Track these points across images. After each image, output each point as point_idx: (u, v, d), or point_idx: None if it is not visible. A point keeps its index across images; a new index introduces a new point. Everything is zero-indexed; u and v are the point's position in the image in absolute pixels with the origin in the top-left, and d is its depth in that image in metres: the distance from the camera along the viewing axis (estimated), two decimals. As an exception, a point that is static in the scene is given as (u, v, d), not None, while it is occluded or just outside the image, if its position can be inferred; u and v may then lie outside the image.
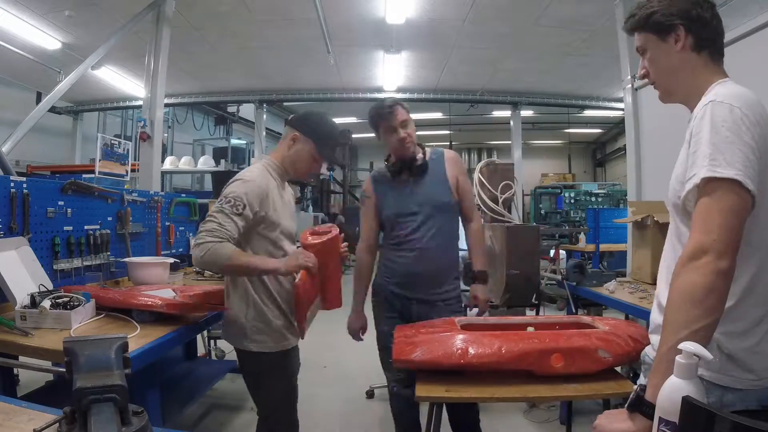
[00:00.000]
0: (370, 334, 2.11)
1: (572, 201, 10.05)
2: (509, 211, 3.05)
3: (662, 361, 0.83)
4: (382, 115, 1.94)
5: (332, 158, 1.80)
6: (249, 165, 7.95)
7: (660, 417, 0.76)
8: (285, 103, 9.57)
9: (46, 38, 5.48)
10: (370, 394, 3.20)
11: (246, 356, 1.69)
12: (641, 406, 0.84)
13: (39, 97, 7.03)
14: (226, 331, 1.77)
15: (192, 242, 1.43)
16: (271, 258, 1.63)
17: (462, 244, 2.11)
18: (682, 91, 1.10)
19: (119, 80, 7.10)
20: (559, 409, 2.82)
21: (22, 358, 1.41)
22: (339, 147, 1.83)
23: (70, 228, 2.39)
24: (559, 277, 2.94)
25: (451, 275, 2.02)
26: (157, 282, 2.40)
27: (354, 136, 13.02)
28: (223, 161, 7.51)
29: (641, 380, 1.07)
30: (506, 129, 9.11)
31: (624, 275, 3.13)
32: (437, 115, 10.67)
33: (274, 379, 1.70)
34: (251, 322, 1.66)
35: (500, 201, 3.04)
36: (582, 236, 5.50)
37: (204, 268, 1.55)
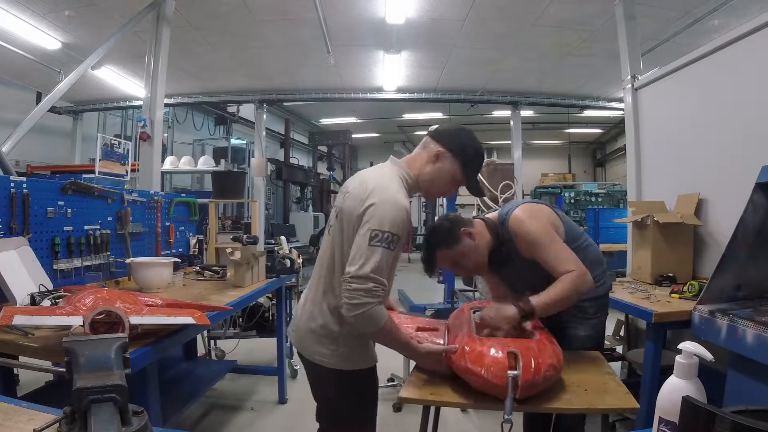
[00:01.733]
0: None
1: (572, 201, 10.07)
2: (509, 211, 3.05)
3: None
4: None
5: (475, 185, 1.56)
6: (249, 165, 7.78)
7: (660, 417, 0.76)
8: (285, 103, 9.57)
9: (46, 38, 5.48)
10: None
11: (341, 375, 1.43)
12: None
13: (39, 97, 7.02)
14: (307, 342, 1.46)
15: (345, 290, 1.26)
16: (412, 339, 1.45)
17: None
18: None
19: (119, 80, 7.10)
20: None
21: (22, 358, 1.41)
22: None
23: (70, 228, 2.39)
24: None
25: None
26: (160, 282, 2.40)
27: (354, 136, 13.06)
28: (223, 161, 7.51)
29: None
30: (506, 129, 9.11)
31: (624, 275, 3.13)
32: (437, 115, 10.68)
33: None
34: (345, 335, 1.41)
35: (500, 201, 3.04)
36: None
37: (354, 324, 1.31)
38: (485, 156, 1.61)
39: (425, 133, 1.61)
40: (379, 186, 1.35)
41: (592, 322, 1.79)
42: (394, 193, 1.34)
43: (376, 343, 1.44)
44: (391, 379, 3.38)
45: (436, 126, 1.56)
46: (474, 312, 1.73)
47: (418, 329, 1.71)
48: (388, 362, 2.05)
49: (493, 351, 1.29)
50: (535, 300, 1.52)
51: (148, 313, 1.61)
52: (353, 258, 1.28)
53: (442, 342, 1.59)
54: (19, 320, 1.34)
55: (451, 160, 1.47)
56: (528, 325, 1.57)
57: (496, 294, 1.96)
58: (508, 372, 1.22)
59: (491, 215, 1.80)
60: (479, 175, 3.29)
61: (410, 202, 1.48)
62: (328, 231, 1.48)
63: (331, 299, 1.40)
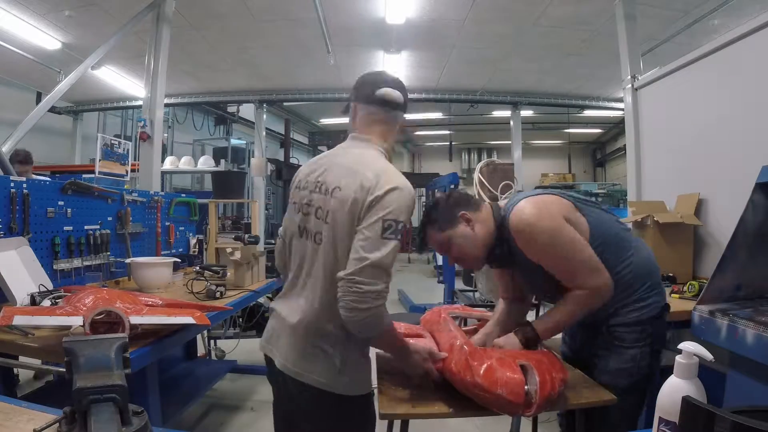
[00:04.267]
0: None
1: (572, 201, 10.04)
2: (509, 211, 3.05)
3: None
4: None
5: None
6: (249, 165, 7.74)
7: (660, 417, 0.76)
8: (285, 103, 9.57)
9: (46, 38, 5.48)
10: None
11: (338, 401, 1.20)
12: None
13: (39, 97, 7.03)
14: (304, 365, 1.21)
15: (349, 291, 1.07)
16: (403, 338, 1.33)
17: None
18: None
19: (119, 80, 7.11)
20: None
21: (22, 358, 1.41)
22: None
23: (70, 228, 2.39)
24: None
25: None
26: (160, 282, 2.40)
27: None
28: (223, 161, 7.51)
29: None
30: (506, 129, 9.11)
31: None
32: (437, 115, 10.68)
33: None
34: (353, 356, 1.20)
35: (500, 201, 3.04)
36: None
37: (357, 328, 1.12)
38: None
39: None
40: (385, 174, 1.17)
41: (630, 353, 1.39)
42: (405, 179, 1.19)
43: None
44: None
45: (394, 92, 1.32)
46: (454, 317, 1.64)
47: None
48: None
49: (504, 365, 1.17)
50: (539, 326, 1.39)
51: (149, 313, 1.61)
52: (361, 250, 1.09)
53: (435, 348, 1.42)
54: (19, 320, 1.34)
55: (402, 114, 1.37)
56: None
57: (505, 296, 1.67)
58: (525, 387, 1.13)
59: (503, 202, 1.53)
60: (480, 174, 3.30)
61: None
62: (314, 239, 1.22)
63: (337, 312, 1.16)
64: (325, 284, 1.19)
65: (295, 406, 1.26)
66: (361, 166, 1.20)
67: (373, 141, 1.30)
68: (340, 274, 1.10)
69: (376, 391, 1.28)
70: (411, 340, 1.42)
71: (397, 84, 1.35)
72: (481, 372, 1.16)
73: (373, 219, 1.11)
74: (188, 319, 1.63)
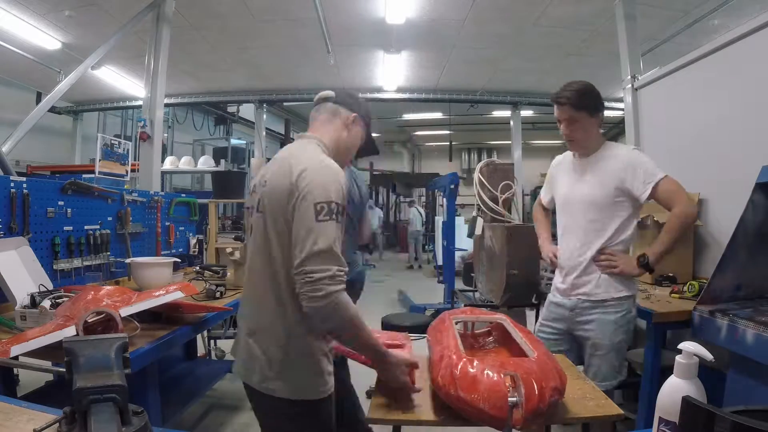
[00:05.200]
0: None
1: (572, 201, 10.02)
2: (509, 211, 3.06)
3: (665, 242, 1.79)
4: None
5: (371, 143, 1.50)
6: (249, 165, 7.77)
7: (660, 417, 0.76)
8: (285, 103, 9.58)
9: (46, 38, 5.48)
10: (369, 395, 3.21)
11: (281, 404, 1.20)
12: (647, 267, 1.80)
13: (39, 97, 7.03)
14: (248, 367, 1.25)
15: (302, 283, 1.06)
16: (376, 337, 1.26)
17: (460, 243, 2.03)
18: (594, 146, 2.00)
19: (119, 80, 7.11)
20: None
21: (22, 358, 1.41)
22: None
23: (70, 228, 2.39)
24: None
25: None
26: (160, 282, 2.39)
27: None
28: (223, 161, 7.51)
29: None
30: (506, 129, 9.11)
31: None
32: (437, 115, 10.68)
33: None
34: (293, 357, 1.19)
35: (500, 201, 3.04)
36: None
37: (320, 319, 1.10)
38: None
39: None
40: (303, 157, 1.18)
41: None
42: (324, 158, 1.20)
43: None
44: (370, 393, 3.22)
45: (328, 91, 1.41)
46: (456, 323, 1.52)
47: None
48: (364, 376, 1.75)
49: (489, 375, 1.11)
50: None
51: (137, 300, 1.62)
52: (299, 242, 1.07)
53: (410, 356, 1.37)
54: (16, 350, 1.34)
55: (360, 124, 1.40)
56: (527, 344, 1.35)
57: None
58: (509, 399, 1.06)
59: None
60: (480, 174, 3.29)
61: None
62: (252, 241, 1.26)
63: (281, 314, 1.18)
64: (262, 278, 1.21)
65: (257, 410, 1.31)
66: (288, 156, 1.22)
67: (314, 136, 1.33)
68: (292, 269, 1.09)
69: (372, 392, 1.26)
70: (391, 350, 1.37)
71: (338, 90, 1.43)
72: (465, 385, 1.11)
73: (305, 203, 1.09)
74: (177, 294, 1.68)
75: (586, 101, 1.92)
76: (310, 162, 1.16)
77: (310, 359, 1.20)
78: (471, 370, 1.13)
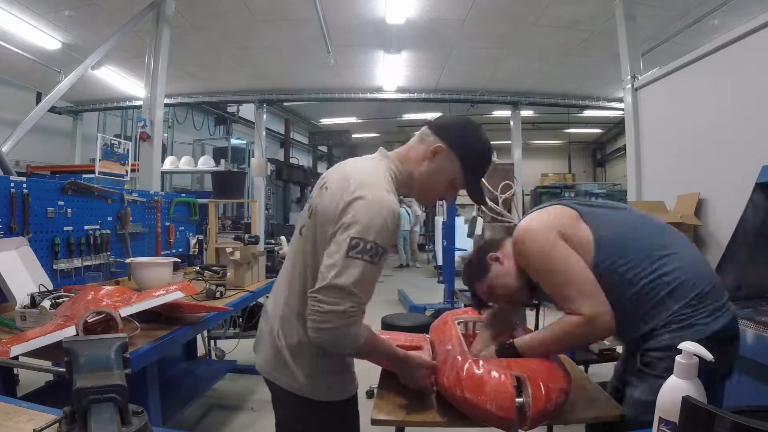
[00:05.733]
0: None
1: (572, 201, 10.04)
2: (509, 211, 3.06)
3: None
4: None
5: (477, 191, 1.26)
6: (249, 165, 7.75)
7: (660, 417, 0.76)
8: (285, 103, 9.58)
9: (46, 38, 5.48)
10: (370, 394, 3.21)
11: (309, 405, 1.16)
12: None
13: (39, 97, 7.03)
14: (275, 366, 1.20)
15: (312, 310, 1.04)
16: (394, 348, 1.22)
17: (461, 243, 2.03)
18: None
19: (119, 80, 7.11)
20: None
21: (22, 358, 1.41)
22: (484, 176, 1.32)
23: (70, 228, 2.39)
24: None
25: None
26: (160, 282, 2.40)
27: (354, 136, 13.06)
28: (223, 161, 7.52)
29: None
30: (506, 129, 9.11)
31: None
32: (437, 115, 10.64)
33: None
34: (320, 359, 1.15)
35: (500, 201, 3.04)
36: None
37: (325, 346, 1.09)
38: (492, 157, 1.28)
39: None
40: (365, 182, 1.10)
41: (659, 383, 1.15)
42: (383, 192, 1.09)
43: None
44: (370, 393, 3.21)
45: (439, 116, 1.31)
46: (458, 323, 1.57)
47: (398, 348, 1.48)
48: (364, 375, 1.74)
49: (495, 376, 1.10)
50: (520, 344, 1.27)
51: (137, 300, 1.62)
52: (324, 270, 1.04)
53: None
54: (16, 350, 1.34)
55: (451, 159, 1.19)
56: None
57: None
58: (516, 400, 1.05)
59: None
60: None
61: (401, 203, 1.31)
62: (299, 231, 1.22)
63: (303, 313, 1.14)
64: (302, 280, 1.16)
65: (279, 408, 1.25)
66: (354, 173, 1.14)
67: (392, 158, 1.23)
68: (311, 290, 1.06)
69: (376, 392, 1.26)
70: (410, 353, 1.36)
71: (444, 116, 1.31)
72: (471, 387, 1.10)
73: (344, 234, 1.04)
74: (177, 294, 1.67)
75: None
76: (367, 194, 1.07)
77: (335, 361, 1.17)
78: (477, 371, 1.12)
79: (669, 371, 1.06)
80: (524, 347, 1.25)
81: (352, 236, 1.03)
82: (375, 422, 1.19)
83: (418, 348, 1.48)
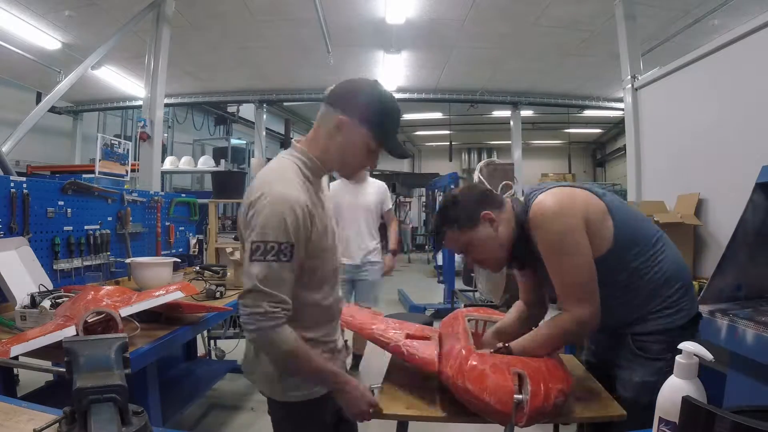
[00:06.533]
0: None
1: (572, 201, 10.03)
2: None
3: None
4: None
5: (395, 147, 1.20)
6: (249, 165, 7.74)
7: (660, 417, 0.76)
8: (285, 103, 9.58)
9: (46, 38, 5.48)
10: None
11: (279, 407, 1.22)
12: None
13: (39, 97, 7.03)
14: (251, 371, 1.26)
15: (241, 314, 1.08)
16: (331, 366, 1.17)
17: None
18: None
19: (119, 80, 7.11)
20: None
21: (22, 358, 1.41)
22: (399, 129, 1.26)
23: (70, 228, 2.39)
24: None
25: None
26: (160, 282, 2.40)
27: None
28: (223, 161, 7.52)
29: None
30: (506, 129, 9.11)
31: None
32: (437, 115, 10.68)
33: None
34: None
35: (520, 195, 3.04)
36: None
37: (261, 350, 1.15)
38: (398, 108, 1.20)
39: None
40: (266, 181, 1.09)
41: (656, 366, 1.23)
42: (280, 188, 1.07)
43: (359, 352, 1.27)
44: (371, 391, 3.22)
45: (332, 87, 1.22)
46: (469, 320, 1.57)
47: (408, 337, 1.47)
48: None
49: (496, 371, 1.12)
50: (516, 347, 1.26)
51: (137, 300, 1.62)
52: (244, 276, 1.08)
53: (436, 352, 1.34)
54: (16, 350, 1.34)
55: (356, 126, 1.13)
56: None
57: (525, 300, 1.55)
58: (514, 396, 1.07)
59: (522, 196, 1.39)
60: (480, 174, 3.29)
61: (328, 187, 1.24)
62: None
63: None
64: None
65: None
66: (260, 174, 1.15)
67: (297, 147, 1.21)
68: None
69: (376, 390, 1.27)
70: (415, 342, 1.40)
71: (336, 86, 1.22)
72: (473, 378, 1.13)
73: (249, 239, 1.06)
74: (177, 294, 1.68)
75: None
76: (266, 189, 1.07)
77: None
78: (480, 364, 1.15)
79: (662, 353, 1.20)
80: (521, 349, 1.26)
81: (252, 240, 1.05)
82: (375, 416, 1.20)
83: (426, 338, 1.47)
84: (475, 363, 1.15)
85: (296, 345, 1.07)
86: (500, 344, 1.30)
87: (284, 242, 1.04)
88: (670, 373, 1.09)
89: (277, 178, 1.11)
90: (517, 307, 1.56)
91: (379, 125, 1.16)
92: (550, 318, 1.25)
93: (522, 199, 1.38)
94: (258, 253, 1.03)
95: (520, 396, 1.07)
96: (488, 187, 1.47)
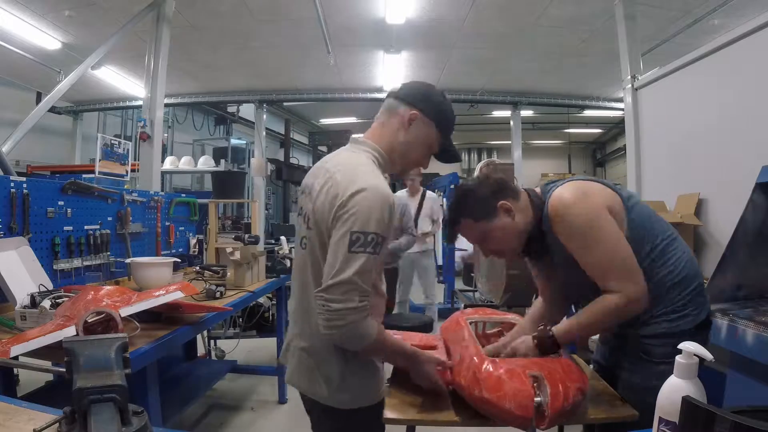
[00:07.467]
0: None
1: (572, 201, 10.04)
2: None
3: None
4: None
5: (452, 150, 1.29)
6: (249, 165, 7.73)
7: (660, 417, 0.76)
8: (285, 103, 9.58)
9: (46, 38, 5.48)
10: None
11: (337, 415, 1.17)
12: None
13: (39, 97, 7.03)
14: (309, 379, 1.19)
15: (322, 305, 1.04)
16: (403, 342, 1.24)
17: (461, 243, 1.98)
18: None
19: (119, 80, 7.10)
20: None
21: (22, 358, 1.41)
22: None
23: (70, 228, 2.39)
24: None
25: None
26: (160, 282, 2.40)
27: (354, 136, 13.05)
28: (223, 161, 7.51)
29: None
30: (506, 129, 9.11)
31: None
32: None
33: None
34: (349, 368, 1.16)
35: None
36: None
37: (339, 344, 1.11)
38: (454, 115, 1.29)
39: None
40: (357, 175, 1.09)
41: (659, 369, 1.17)
42: (375, 182, 1.07)
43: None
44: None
45: (399, 86, 1.25)
46: (470, 323, 1.53)
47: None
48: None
49: (513, 376, 1.10)
50: (559, 330, 1.23)
51: (137, 300, 1.62)
52: (328, 268, 1.05)
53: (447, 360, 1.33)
54: (16, 350, 1.34)
55: (426, 123, 1.20)
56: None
57: (543, 295, 1.53)
58: (534, 399, 1.05)
59: (538, 189, 1.38)
60: (479, 174, 3.29)
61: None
62: (301, 244, 1.21)
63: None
64: (307, 292, 1.16)
65: (311, 417, 1.27)
66: (337, 168, 1.13)
67: (368, 142, 1.21)
68: (316, 289, 1.07)
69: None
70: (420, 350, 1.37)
71: (406, 83, 1.26)
72: (489, 386, 1.10)
73: (341, 231, 1.04)
74: (177, 294, 1.67)
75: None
76: (365, 183, 1.06)
77: (365, 368, 1.18)
78: (495, 371, 1.13)
79: (666, 357, 1.11)
80: (563, 333, 1.23)
81: (352, 231, 1.03)
82: (386, 421, 1.18)
83: (433, 347, 1.46)
84: (490, 370, 1.13)
85: (380, 330, 1.10)
86: (546, 330, 1.25)
87: (381, 234, 1.05)
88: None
89: (369, 171, 1.12)
90: (535, 306, 1.55)
91: (447, 124, 1.24)
92: (597, 299, 1.20)
93: (538, 191, 1.36)
94: (358, 244, 1.03)
95: (539, 399, 1.05)
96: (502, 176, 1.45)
